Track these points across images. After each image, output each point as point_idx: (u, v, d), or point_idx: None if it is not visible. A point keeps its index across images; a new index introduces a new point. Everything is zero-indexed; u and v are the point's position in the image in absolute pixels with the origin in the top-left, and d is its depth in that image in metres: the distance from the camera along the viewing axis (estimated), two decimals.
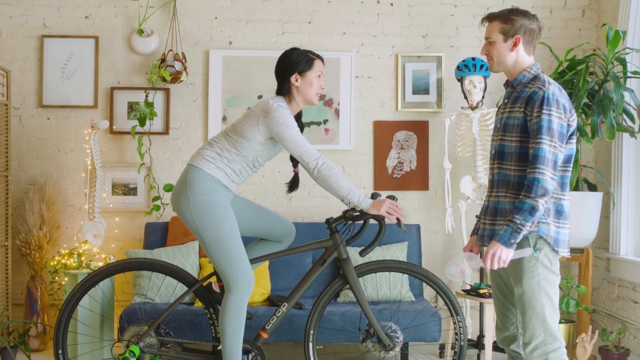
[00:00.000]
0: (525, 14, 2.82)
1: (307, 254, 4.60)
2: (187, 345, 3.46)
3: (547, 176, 2.61)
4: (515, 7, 2.87)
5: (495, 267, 2.68)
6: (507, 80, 2.88)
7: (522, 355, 2.92)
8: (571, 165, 2.77)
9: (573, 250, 4.57)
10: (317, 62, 3.26)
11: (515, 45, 2.79)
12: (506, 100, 2.87)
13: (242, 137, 3.18)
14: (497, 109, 2.97)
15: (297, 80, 3.22)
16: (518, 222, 2.63)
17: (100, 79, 4.95)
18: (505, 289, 2.93)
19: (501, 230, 2.68)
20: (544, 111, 2.64)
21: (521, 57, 2.81)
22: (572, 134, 2.73)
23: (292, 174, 3.43)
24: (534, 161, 2.63)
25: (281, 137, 3.11)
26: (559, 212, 2.74)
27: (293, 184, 3.42)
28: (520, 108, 2.74)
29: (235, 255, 3.15)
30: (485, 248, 2.89)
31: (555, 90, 2.69)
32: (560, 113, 2.65)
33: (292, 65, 3.22)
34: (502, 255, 2.66)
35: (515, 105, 2.77)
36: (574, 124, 2.73)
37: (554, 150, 2.63)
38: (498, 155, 2.84)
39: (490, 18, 2.84)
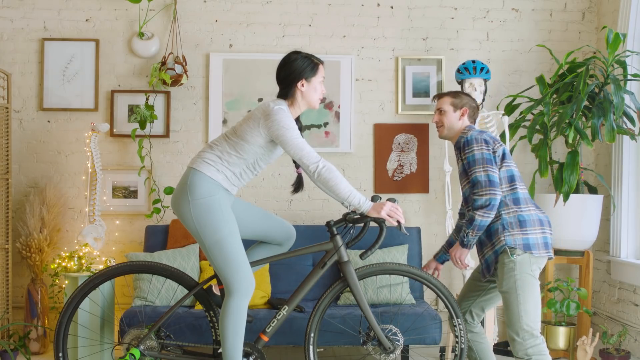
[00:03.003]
0: (468, 96, 3.49)
1: (307, 257, 4.60)
2: (187, 348, 3.46)
3: (485, 195, 3.16)
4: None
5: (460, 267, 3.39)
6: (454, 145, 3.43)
7: (473, 323, 3.48)
8: (517, 184, 3.26)
9: (574, 253, 4.57)
10: (321, 68, 3.28)
11: (458, 113, 3.41)
12: (457, 157, 3.42)
13: (242, 140, 3.18)
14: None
15: (303, 86, 3.23)
16: (469, 232, 3.25)
17: (101, 82, 4.96)
18: (480, 276, 3.42)
19: (464, 236, 3.29)
20: (466, 150, 3.27)
21: (463, 124, 3.42)
22: (504, 158, 3.26)
23: (295, 175, 3.43)
24: (474, 187, 3.21)
25: (282, 140, 3.11)
26: (521, 222, 3.20)
27: (298, 185, 3.42)
28: (459, 157, 3.35)
29: (236, 258, 3.15)
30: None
31: (472, 134, 3.29)
32: (480, 145, 3.24)
33: (299, 71, 3.22)
34: (457, 254, 3.36)
35: (458, 157, 3.36)
36: (501, 148, 3.27)
37: (487, 173, 3.18)
38: (466, 201, 3.38)
39: (439, 95, 3.51)
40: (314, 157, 3.09)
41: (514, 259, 3.15)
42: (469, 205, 3.31)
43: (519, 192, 3.25)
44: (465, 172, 3.31)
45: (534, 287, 3.16)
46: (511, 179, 3.26)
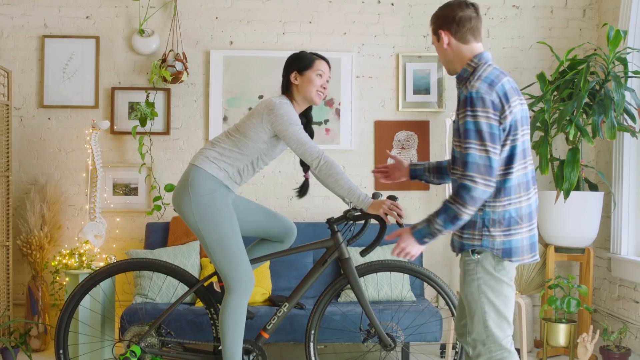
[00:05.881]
0: (445, 5, 2.60)
1: (308, 254, 4.60)
2: (188, 345, 3.46)
3: (479, 184, 2.38)
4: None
5: (401, 257, 2.59)
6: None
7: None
8: (514, 165, 2.46)
9: (574, 250, 4.57)
10: (318, 62, 3.27)
11: (441, 40, 2.57)
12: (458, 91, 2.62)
13: (245, 137, 3.19)
14: None
15: (296, 79, 3.24)
16: (437, 226, 2.48)
17: (101, 79, 4.95)
18: None
19: (420, 225, 2.54)
20: (467, 112, 2.39)
21: (457, 50, 2.55)
22: (513, 129, 2.43)
23: (303, 179, 3.40)
24: (464, 167, 2.39)
25: (284, 135, 3.12)
26: (507, 220, 2.47)
27: (303, 190, 3.40)
28: (458, 101, 2.52)
29: (236, 255, 3.15)
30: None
31: (480, 87, 2.40)
32: (487, 112, 2.37)
33: (293, 63, 3.26)
34: (412, 251, 2.56)
35: (458, 108, 2.51)
36: (511, 117, 2.42)
37: (485, 154, 2.37)
38: (452, 160, 2.63)
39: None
40: (315, 152, 3.09)
41: (474, 258, 2.51)
42: (454, 169, 2.56)
43: (512, 178, 2.46)
44: (456, 131, 2.53)
45: (502, 292, 2.51)
46: (510, 160, 2.45)
